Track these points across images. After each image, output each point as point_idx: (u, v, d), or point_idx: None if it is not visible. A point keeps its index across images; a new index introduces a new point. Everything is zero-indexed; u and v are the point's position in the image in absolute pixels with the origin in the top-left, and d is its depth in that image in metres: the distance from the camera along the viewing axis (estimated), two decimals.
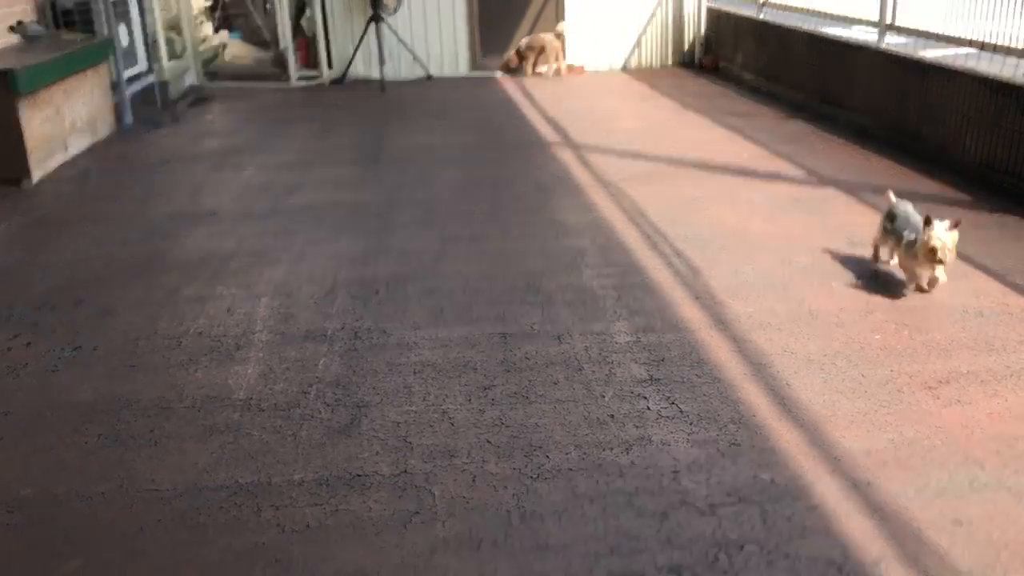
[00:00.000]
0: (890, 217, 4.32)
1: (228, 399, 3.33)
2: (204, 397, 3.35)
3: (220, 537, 2.54)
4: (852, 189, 5.70)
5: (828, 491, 2.72)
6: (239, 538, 2.54)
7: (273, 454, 2.96)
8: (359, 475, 2.82)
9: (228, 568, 2.42)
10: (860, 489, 2.73)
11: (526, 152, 7.07)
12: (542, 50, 10.64)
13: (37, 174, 6.49)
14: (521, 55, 10.79)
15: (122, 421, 3.19)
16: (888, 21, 7.05)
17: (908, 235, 4.10)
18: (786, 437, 3.01)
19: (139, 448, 3.01)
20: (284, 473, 2.84)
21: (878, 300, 4.05)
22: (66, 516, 2.65)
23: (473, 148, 7.28)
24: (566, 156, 6.87)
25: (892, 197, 4.46)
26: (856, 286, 4.22)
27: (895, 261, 4.35)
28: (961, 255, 4.53)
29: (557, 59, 10.61)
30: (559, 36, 10.64)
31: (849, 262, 4.50)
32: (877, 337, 3.70)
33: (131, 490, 2.77)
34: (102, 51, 7.89)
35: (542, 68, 10.75)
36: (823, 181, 5.92)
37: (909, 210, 4.29)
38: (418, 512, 2.64)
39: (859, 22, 7.65)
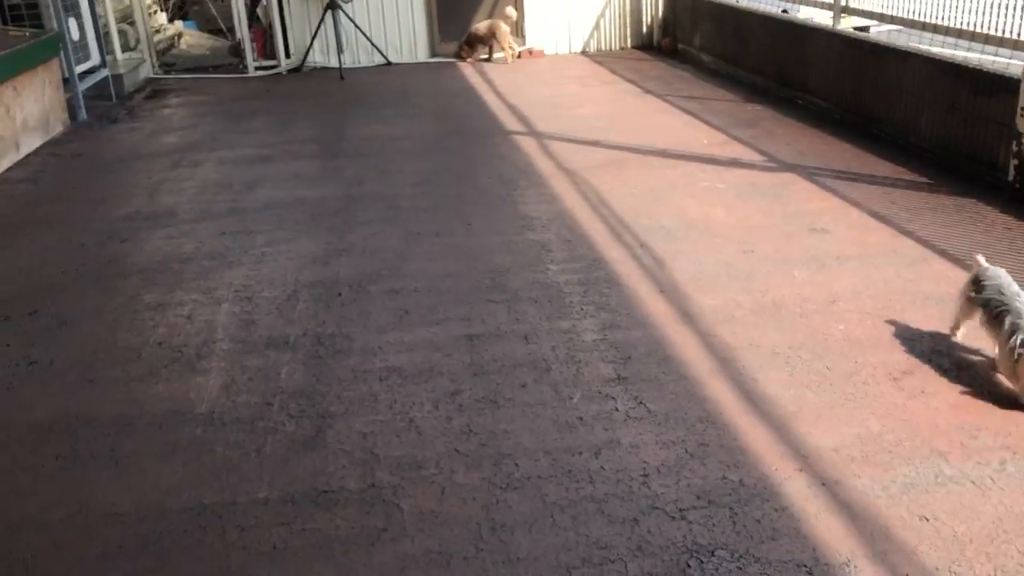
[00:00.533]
0: (977, 286, 3.41)
1: (190, 413, 3.26)
2: (165, 412, 3.28)
3: (185, 562, 2.49)
4: (811, 174, 5.72)
5: (797, 490, 2.73)
6: (204, 563, 2.49)
7: (237, 471, 2.91)
8: (325, 491, 2.78)
9: None
10: (828, 487, 2.74)
11: (488, 141, 7.01)
12: (492, 36, 10.52)
13: None
14: (471, 43, 10.68)
15: (81, 440, 3.12)
16: (843, 3, 7.07)
17: (1009, 321, 3.18)
18: (753, 435, 3.02)
19: (99, 469, 2.95)
20: (249, 491, 2.80)
21: (840, 289, 4.07)
22: (23, 545, 2.59)
23: (434, 138, 7.21)
24: (528, 145, 6.83)
25: (981, 260, 3.53)
26: (818, 275, 4.23)
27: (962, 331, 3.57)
28: (919, 239, 4.59)
29: (511, 46, 10.50)
30: (508, 21, 10.51)
31: (810, 249, 4.51)
32: (841, 327, 3.72)
33: (91, 515, 2.71)
34: (52, 46, 7.69)
35: (498, 54, 10.65)
36: (783, 166, 5.93)
37: (1005, 280, 3.36)
38: (386, 528, 2.60)
39: (816, 4, 7.66)
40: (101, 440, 3.11)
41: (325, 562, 2.48)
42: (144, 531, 2.63)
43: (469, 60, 10.69)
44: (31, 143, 7.14)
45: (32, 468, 2.97)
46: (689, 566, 2.43)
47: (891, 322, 3.75)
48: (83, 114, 8.20)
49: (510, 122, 7.60)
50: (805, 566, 2.42)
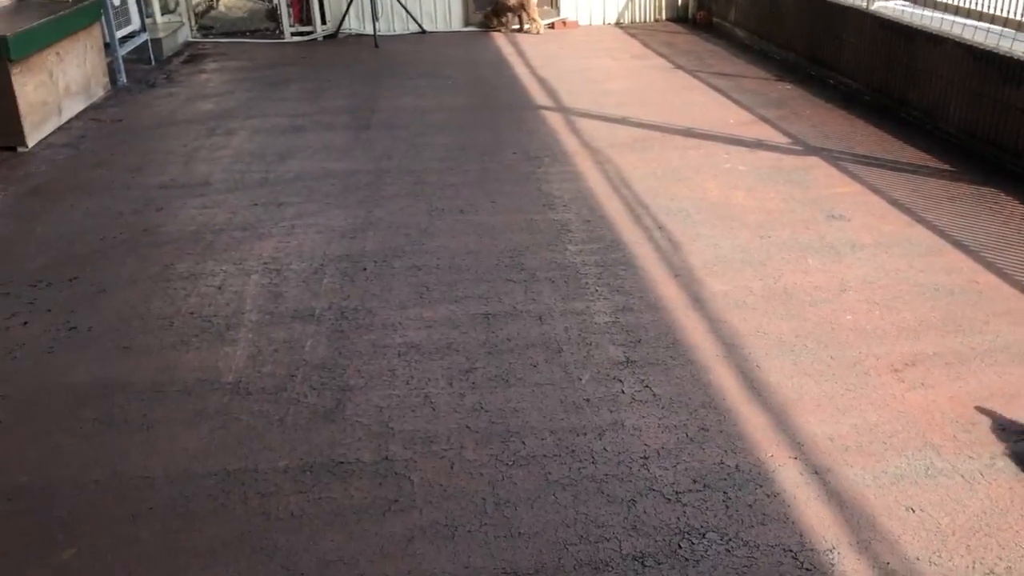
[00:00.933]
0: None
1: (218, 382, 3.45)
2: (195, 380, 3.46)
3: (208, 525, 2.68)
4: (835, 158, 5.75)
5: (789, 477, 2.85)
6: (227, 526, 2.68)
7: (260, 440, 3.09)
8: (342, 462, 2.95)
9: (216, 556, 2.56)
10: (820, 475, 2.86)
11: (517, 116, 7.09)
12: (521, 7, 10.53)
13: (32, 140, 6.54)
14: (497, 12, 10.69)
15: (116, 405, 3.31)
16: None
17: None
18: (753, 421, 3.14)
19: (132, 433, 3.14)
20: (270, 460, 2.97)
21: (852, 277, 4.15)
22: (61, 503, 2.79)
23: (464, 111, 7.31)
24: (556, 120, 6.90)
25: None
26: (831, 262, 4.31)
27: None
28: (936, 228, 4.64)
29: (534, 18, 10.51)
30: None
31: (826, 236, 4.58)
32: (848, 317, 3.81)
33: (124, 477, 2.90)
34: (94, 12, 7.85)
35: (527, 25, 10.67)
36: (807, 149, 5.96)
37: None
38: (397, 500, 2.77)
39: None
40: (135, 405, 3.30)
41: (339, 530, 2.65)
42: (172, 494, 2.82)
43: (501, 30, 10.72)
44: (73, 108, 7.33)
45: (71, 430, 3.17)
46: (680, 547, 2.57)
47: (899, 313, 3.83)
48: (123, 78, 8.39)
49: (539, 96, 7.67)
50: (790, 551, 2.55)
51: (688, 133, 6.43)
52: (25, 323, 3.95)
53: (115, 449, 3.06)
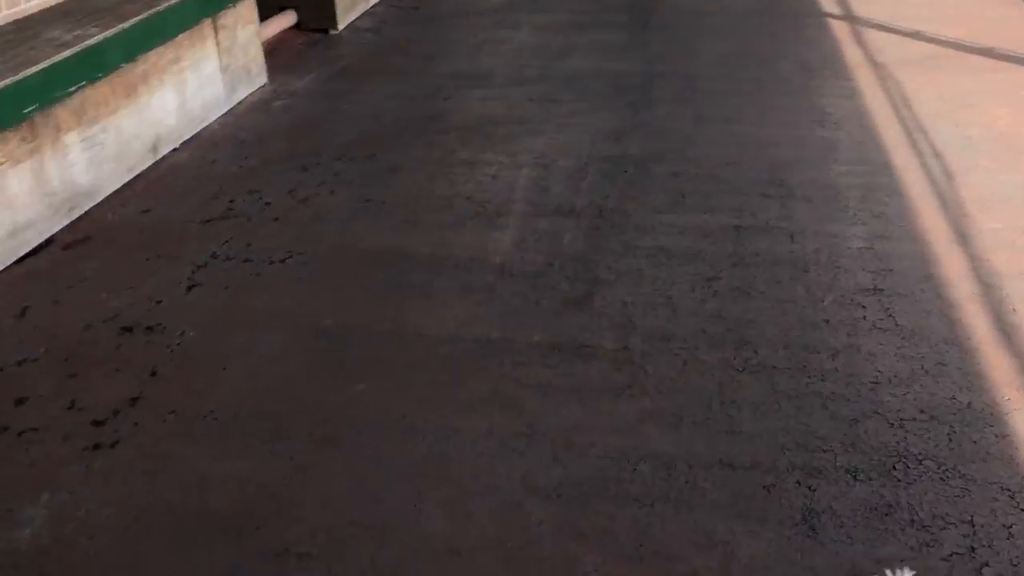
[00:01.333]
0: None
1: (486, 262, 3.87)
2: (467, 258, 3.91)
3: (470, 382, 3.13)
4: None
5: (1023, 422, 2.85)
6: (484, 384, 3.11)
7: (517, 316, 3.48)
8: (586, 346, 3.29)
9: (474, 408, 3.01)
10: None
11: (799, 23, 6.89)
12: None
13: (342, 23, 7.25)
14: None
15: (401, 271, 3.83)
16: None
17: None
18: (996, 363, 3.11)
19: (413, 297, 3.65)
20: (525, 335, 3.37)
21: None
22: (355, 347, 3.34)
23: (744, 16, 7.19)
24: (841, 30, 6.65)
25: None
26: None
27: None
28: None
29: None
30: None
31: None
32: None
33: (405, 333, 3.42)
34: None
35: None
36: None
37: None
38: (631, 385, 3.07)
39: None
40: (416, 273, 3.81)
41: (577, 403, 3.00)
42: (442, 352, 3.29)
43: None
44: None
45: (364, 289, 3.73)
46: (895, 468, 2.69)
47: None
48: None
49: (827, 1, 7.36)
50: (1008, 490, 2.59)
51: (988, 53, 5.99)
52: (332, 192, 4.57)
53: (399, 308, 3.58)
